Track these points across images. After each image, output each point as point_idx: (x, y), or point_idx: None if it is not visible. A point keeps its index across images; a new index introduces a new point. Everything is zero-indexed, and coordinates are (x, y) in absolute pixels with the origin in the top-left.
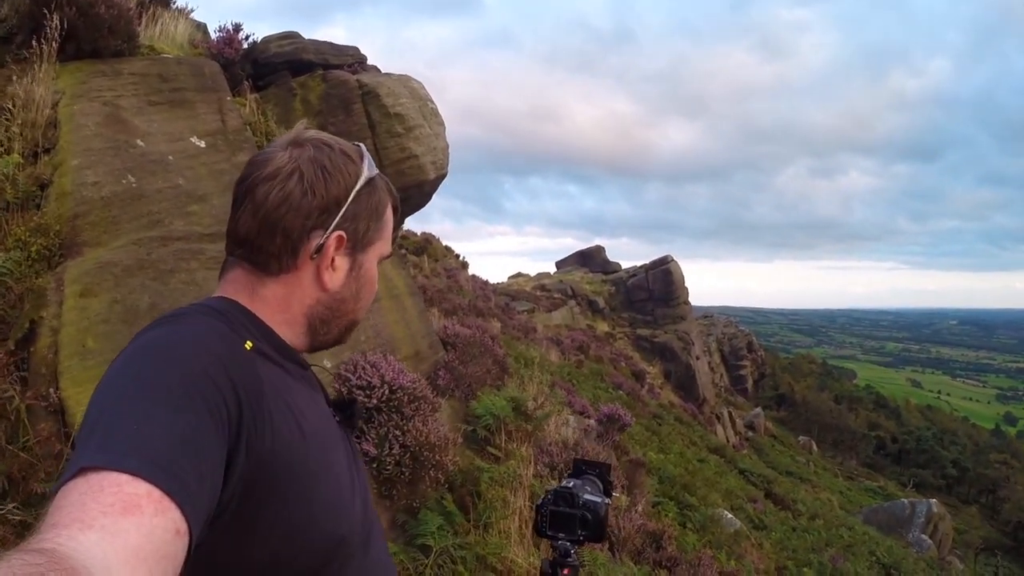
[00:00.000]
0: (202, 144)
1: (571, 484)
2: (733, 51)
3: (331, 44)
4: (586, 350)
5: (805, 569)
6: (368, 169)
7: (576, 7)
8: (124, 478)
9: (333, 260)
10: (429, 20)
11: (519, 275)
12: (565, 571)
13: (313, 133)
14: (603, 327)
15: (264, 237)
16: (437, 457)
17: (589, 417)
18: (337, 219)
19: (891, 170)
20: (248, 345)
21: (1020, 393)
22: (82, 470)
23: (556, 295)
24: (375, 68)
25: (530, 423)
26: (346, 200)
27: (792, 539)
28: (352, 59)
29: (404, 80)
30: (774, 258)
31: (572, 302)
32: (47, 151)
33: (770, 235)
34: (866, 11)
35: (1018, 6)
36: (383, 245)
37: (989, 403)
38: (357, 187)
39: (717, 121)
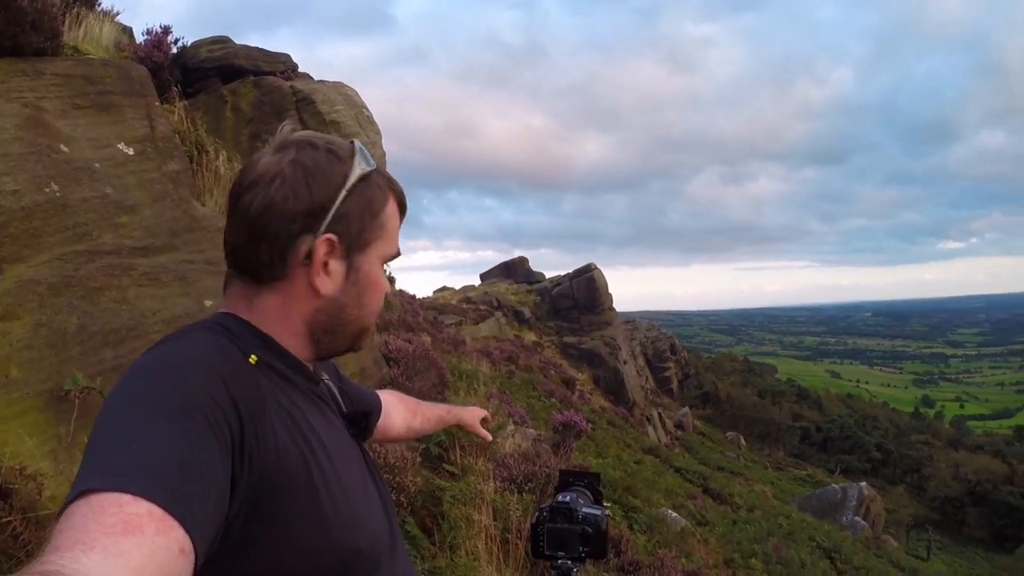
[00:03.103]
0: (130, 151)
1: (567, 498)
2: (643, 64)
3: (262, 50)
4: (516, 360)
5: (752, 560)
6: (360, 166)
7: (487, 24)
8: (125, 498)
9: (326, 264)
10: (342, 38)
11: (444, 289)
12: None
13: (300, 134)
14: (530, 337)
15: (251, 247)
16: (398, 479)
17: (528, 426)
18: (326, 222)
19: (799, 175)
20: (252, 359)
21: (935, 377)
22: (83, 492)
23: (482, 307)
24: (307, 75)
25: None
26: (334, 201)
27: (735, 532)
28: (284, 66)
29: (338, 87)
30: (691, 262)
31: (499, 313)
32: None
33: (686, 240)
34: (769, 25)
35: (913, 16)
36: (385, 245)
37: (907, 388)
38: (347, 186)
39: (630, 133)
